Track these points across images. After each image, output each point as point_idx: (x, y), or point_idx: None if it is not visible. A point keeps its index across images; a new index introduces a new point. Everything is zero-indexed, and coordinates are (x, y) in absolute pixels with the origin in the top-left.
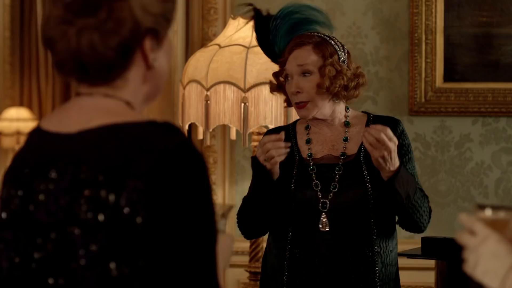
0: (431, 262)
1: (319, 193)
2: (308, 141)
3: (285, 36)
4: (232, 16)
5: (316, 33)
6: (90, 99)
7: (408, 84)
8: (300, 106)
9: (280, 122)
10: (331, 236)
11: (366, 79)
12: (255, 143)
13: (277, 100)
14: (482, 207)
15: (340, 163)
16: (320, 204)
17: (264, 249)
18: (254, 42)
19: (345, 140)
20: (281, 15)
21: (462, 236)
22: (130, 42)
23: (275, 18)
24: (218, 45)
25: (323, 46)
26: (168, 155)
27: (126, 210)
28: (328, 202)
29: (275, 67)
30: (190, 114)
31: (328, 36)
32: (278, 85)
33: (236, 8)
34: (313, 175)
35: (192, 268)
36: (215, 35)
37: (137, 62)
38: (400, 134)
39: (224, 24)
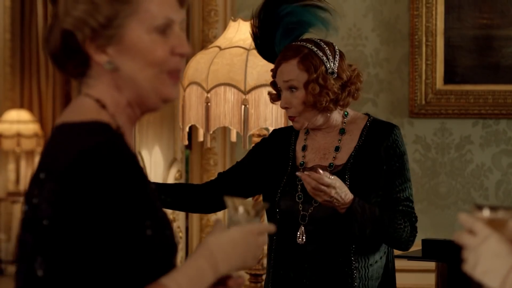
0: (432, 264)
1: (300, 205)
2: (304, 148)
3: (281, 40)
4: (232, 18)
5: (304, 43)
6: (78, 97)
7: (409, 86)
8: (290, 119)
9: (281, 124)
10: (309, 250)
11: (360, 85)
12: None
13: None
14: (480, 207)
15: None
16: (300, 217)
17: (264, 251)
18: None
19: (336, 149)
20: (276, 17)
21: (461, 236)
22: (57, 39)
23: (271, 21)
24: (219, 47)
25: (308, 61)
26: (82, 157)
27: (41, 210)
28: (307, 216)
29: None
30: (191, 116)
31: (318, 45)
32: (278, 95)
33: (236, 10)
34: (299, 186)
35: (99, 274)
36: (216, 37)
37: (93, 61)
38: (392, 143)
39: (225, 26)
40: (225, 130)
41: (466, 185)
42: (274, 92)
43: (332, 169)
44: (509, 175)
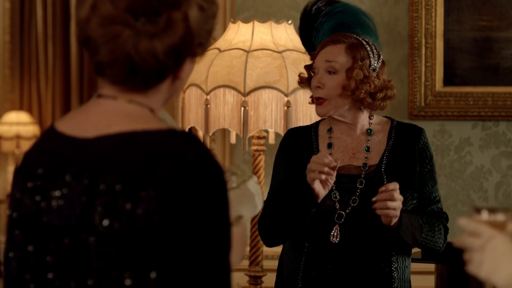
0: (431, 266)
1: (337, 204)
2: (330, 146)
3: (328, 33)
4: (232, 20)
5: (355, 35)
6: (112, 103)
7: (408, 88)
8: (318, 102)
9: (280, 126)
10: (345, 249)
11: (395, 93)
12: (255, 147)
13: (277, 104)
14: (478, 210)
15: (362, 175)
16: (336, 215)
17: (263, 253)
18: (254, 46)
19: (367, 150)
20: (329, 12)
21: (464, 239)
22: (182, 49)
23: (323, 14)
24: (218, 49)
25: (356, 49)
26: (187, 164)
27: (142, 219)
28: (344, 214)
29: (275, 72)
30: (190, 118)
31: (367, 42)
32: (308, 78)
33: (236, 12)
34: (333, 185)
35: (206, 278)
36: (215, 39)
37: (170, 74)
38: (423, 145)
39: (224, 28)
40: (225, 132)
41: (466, 187)
42: (306, 75)
43: (366, 170)
44: (508, 177)
